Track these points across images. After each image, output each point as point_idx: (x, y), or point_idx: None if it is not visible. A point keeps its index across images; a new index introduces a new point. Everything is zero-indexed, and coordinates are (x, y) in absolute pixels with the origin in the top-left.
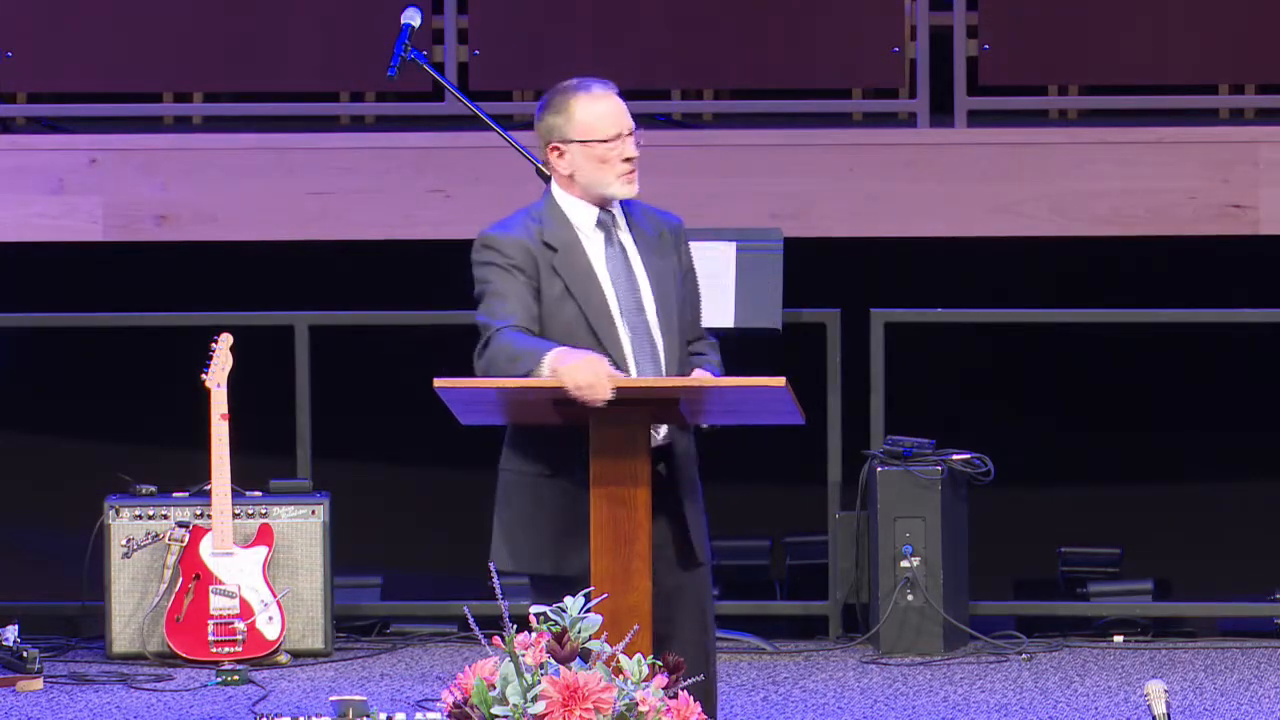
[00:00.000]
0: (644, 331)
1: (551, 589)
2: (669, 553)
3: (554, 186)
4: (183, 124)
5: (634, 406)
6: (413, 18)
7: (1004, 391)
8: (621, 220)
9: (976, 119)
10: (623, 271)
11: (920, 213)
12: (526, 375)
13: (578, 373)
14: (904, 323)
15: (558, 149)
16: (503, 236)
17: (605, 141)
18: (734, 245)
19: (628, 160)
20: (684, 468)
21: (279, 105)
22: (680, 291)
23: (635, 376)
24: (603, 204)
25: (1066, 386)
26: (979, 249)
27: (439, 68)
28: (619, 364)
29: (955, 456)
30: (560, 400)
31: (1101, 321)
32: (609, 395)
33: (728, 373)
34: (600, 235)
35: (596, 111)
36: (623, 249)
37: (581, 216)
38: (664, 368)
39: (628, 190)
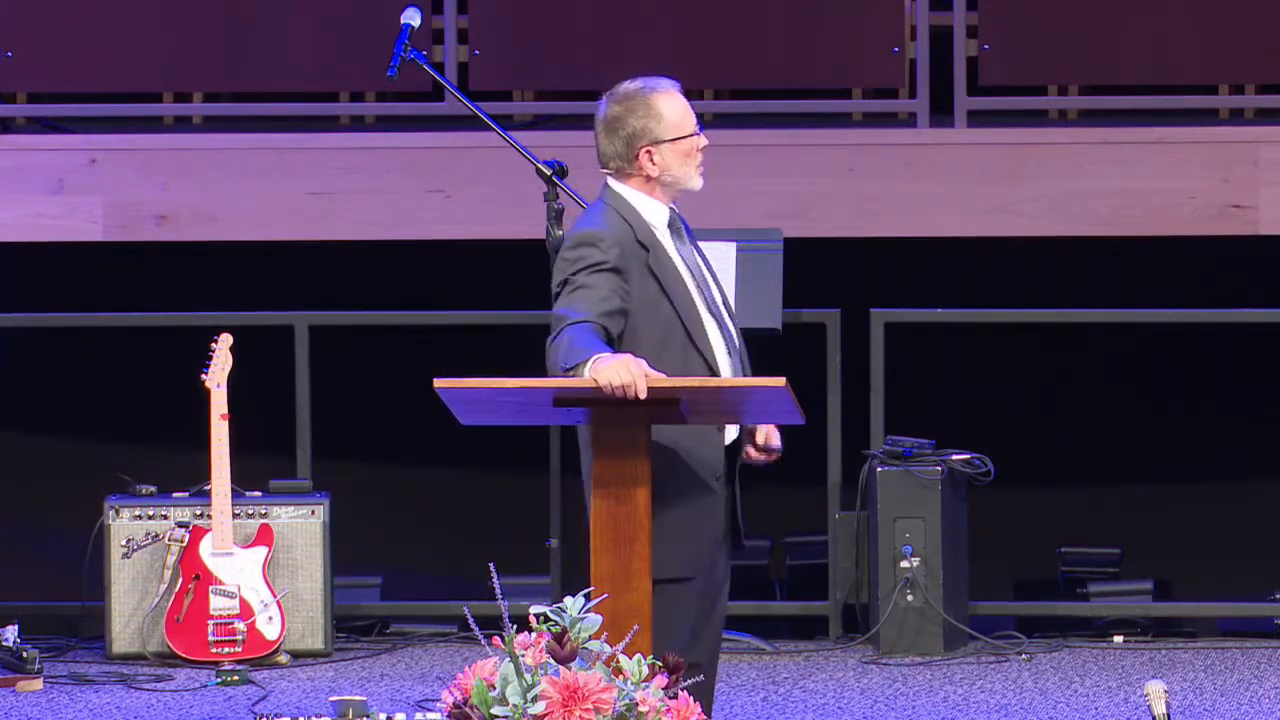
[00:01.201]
0: (724, 327)
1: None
2: (722, 554)
3: (621, 188)
4: (183, 124)
5: (634, 406)
6: (413, 18)
7: (1004, 391)
8: (677, 220)
9: (976, 119)
10: (697, 272)
11: (920, 213)
12: (571, 370)
13: (612, 372)
14: (904, 323)
15: (650, 151)
16: (605, 232)
17: (691, 136)
18: (734, 245)
19: (701, 151)
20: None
21: (279, 105)
22: None
23: (724, 373)
24: (672, 201)
25: (1066, 386)
26: (979, 249)
27: (439, 68)
28: (710, 362)
29: (955, 456)
30: (561, 400)
31: (1101, 322)
32: (643, 394)
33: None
34: (670, 234)
35: (677, 107)
36: (692, 247)
37: (656, 216)
38: (743, 361)
39: (700, 182)
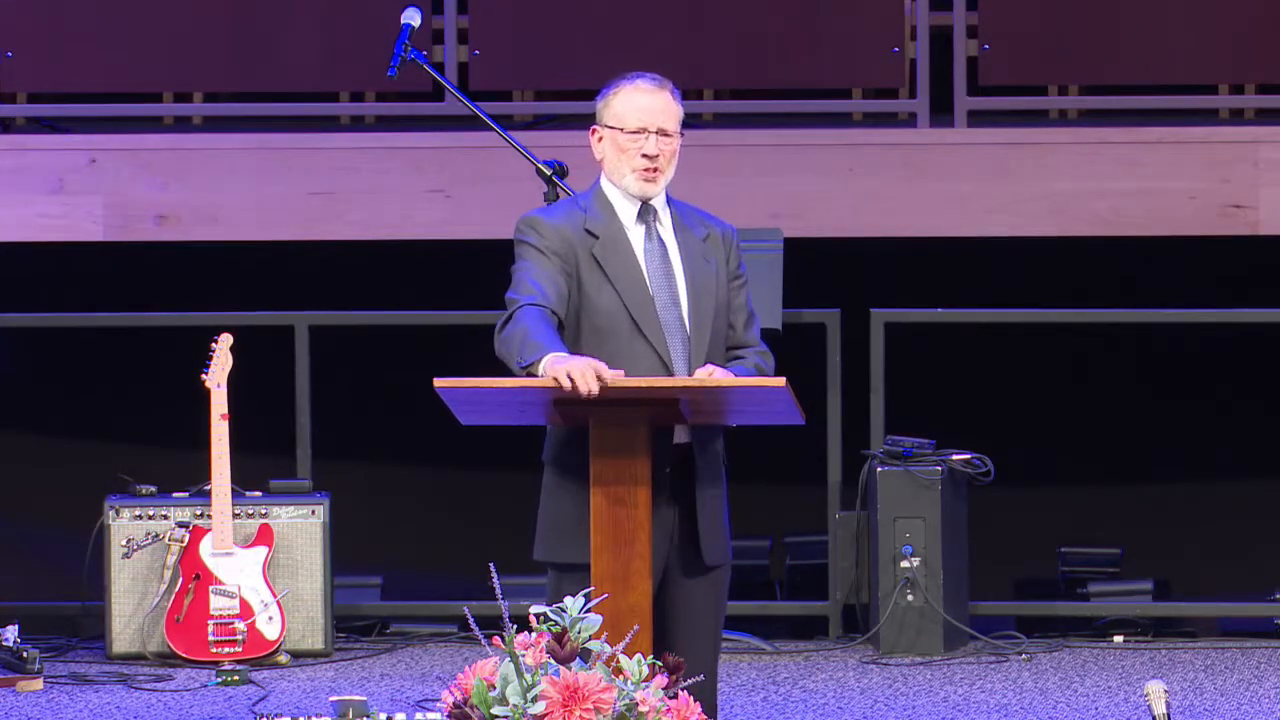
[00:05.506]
0: (678, 328)
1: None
2: (675, 556)
3: (602, 176)
4: (183, 124)
5: (634, 406)
6: (413, 18)
7: (1004, 391)
8: (666, 218)
9: (976, 119)
10: (660, 266)
11: (920, 213)
12: (527, 367)
13: (568, 368)
14: (904, 323)
15: (596, 131)
16: (545, 220)
17: (626, 132)
18: None
19: (646, 157)
20: (708, 466)
21: (279, 105)
22: (721, 296)
23: (677, 369)
24: (642, 197)
25: (1066, 387)
26: (979, 249)
27: (439, 68)
28: (661, 354)
29: (955, 456)
30: (560, 400)
31: (1101, 321)
32: (594, 391)
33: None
34: (641, 228)
35: (630, 103)
36: (662, 244)
37: (624, 208)
38: (692, 367)
39: (642, 188)
